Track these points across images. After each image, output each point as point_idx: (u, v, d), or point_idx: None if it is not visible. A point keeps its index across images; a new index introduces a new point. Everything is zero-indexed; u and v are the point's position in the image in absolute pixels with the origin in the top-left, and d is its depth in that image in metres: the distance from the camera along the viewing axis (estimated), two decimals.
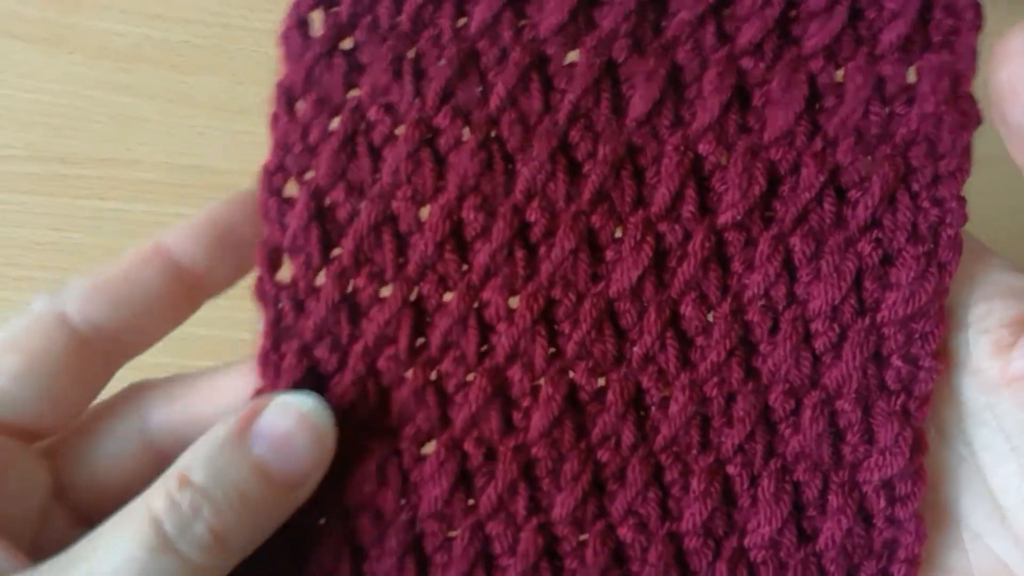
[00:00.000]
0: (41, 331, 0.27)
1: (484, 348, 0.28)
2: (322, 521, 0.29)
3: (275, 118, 0.29)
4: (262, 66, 0.50)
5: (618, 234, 0.28)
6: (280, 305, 0.29)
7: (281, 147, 0.29)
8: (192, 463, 0.25)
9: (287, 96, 0.29)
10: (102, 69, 0.50)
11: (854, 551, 0.28)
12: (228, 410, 0.27)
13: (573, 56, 0.28)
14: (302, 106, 0.29)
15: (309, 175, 0.29)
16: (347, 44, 0.28)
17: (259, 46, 0.51)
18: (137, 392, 0.30)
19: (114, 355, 0.29)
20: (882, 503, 0.28)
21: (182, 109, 0.50)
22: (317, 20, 0.29)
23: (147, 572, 0.23)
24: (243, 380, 0.29)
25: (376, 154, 0.28)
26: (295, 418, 0.26)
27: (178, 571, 0.24)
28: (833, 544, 0.28)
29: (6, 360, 0.27)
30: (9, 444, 0.27)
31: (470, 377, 0.28)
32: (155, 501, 0.24)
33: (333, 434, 0.27)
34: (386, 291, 0.28)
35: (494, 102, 0.28)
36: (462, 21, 0.28)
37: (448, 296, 0.28)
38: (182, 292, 0.29)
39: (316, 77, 0.28)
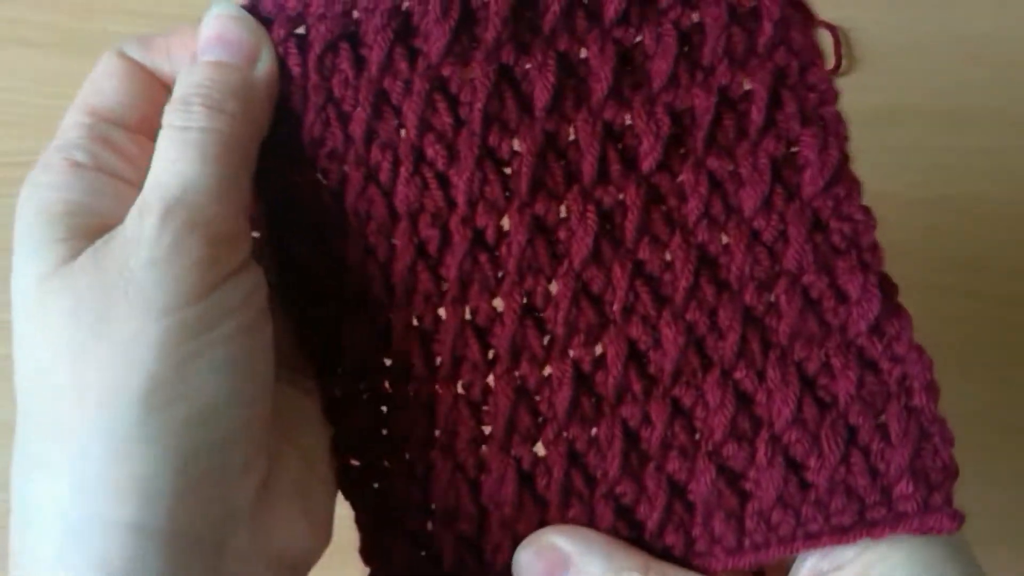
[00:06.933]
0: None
1: (491, 354, 0.31)
2: (387, 463, 0.32)
3: None
4: None
5: (563, 213, 0.31)
6: None
7: None
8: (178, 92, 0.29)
9: None
10: None
11: (874, 399, 0.30)
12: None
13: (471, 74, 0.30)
14: None
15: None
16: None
17: None
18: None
19: None
20: (879, 347, 0.30)
21: None
22: None
23: None
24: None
25: (340, 200, 0.31)
26: (217, 24, 0.29)
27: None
28: (852, 400, 0.30)
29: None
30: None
31: (491, 383, 0.31)
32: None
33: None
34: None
35: (411, 130, 0.30)
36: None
37: (441, 312, 0.31)
38: None
39: None
